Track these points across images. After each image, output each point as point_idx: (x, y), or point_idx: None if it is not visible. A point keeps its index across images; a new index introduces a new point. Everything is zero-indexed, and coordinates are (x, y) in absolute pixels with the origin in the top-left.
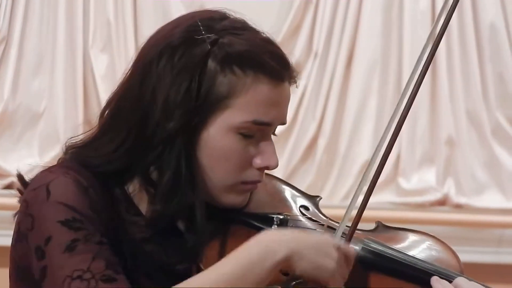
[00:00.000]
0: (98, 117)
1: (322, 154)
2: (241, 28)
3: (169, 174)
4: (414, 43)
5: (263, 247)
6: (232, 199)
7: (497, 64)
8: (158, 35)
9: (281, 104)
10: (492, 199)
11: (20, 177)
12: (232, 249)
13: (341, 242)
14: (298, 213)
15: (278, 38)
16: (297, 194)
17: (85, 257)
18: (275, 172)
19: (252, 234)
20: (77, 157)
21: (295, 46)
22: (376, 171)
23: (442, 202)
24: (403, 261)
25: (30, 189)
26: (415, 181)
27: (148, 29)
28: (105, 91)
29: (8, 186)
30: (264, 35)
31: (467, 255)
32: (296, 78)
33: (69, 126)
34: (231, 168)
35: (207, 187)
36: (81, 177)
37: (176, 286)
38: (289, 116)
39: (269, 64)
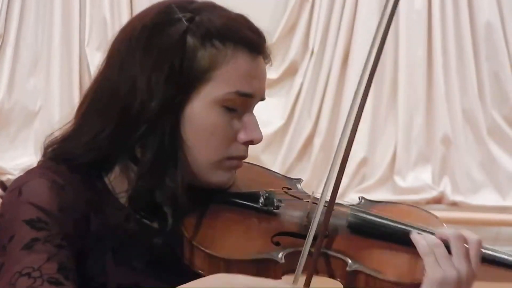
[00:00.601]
0: (75, 113)
1: (318, 152)
2: (212, 6)
3: (152, 151)
4: (409, 42)
5: None
6: (219, 176)
7: (493, 63)
8: (130, 24)
9: (260, 77)
10: (487, 197)
11: (1, 184)
12: (218, 227)
13: None
14: (282, 192)
15: (274, 36)
16: (279, 176)
17: (40, 256)
18: (272, 169)
19: (239, 213)
20: (57, 152)
21: (291, 44)
22: (344, 152)
23: (438, 200)
24: (389, 222)
25: (7, 192)
26: (411, 179)
27: None
28: None
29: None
30: (237, 12)
31: None
32: (270, 56)
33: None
34: (217, 143)
35: (195, 166)
36: (58, 176)
37: None
38: (285, 114)
39: (247, 36)
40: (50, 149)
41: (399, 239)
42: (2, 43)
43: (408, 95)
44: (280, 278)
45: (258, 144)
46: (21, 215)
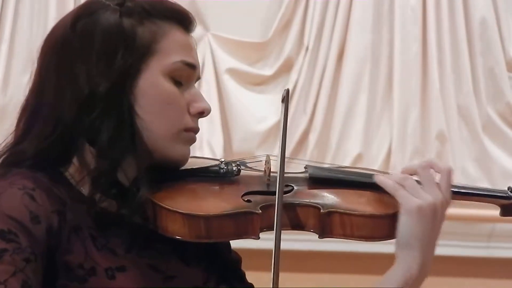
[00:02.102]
0: (15, 127)
1: (313, 148)
2: None
3: (108, 131)
4: (404, 39)
5: None
6: (179, 149)
7: (488, 59)
8: (60, 23)
9: (195, 51)
10: None
11: None
12: (189, 194)
13: None
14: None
15: (269, 33)
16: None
17: (7, 269)
18: None
19: (205, 181)
20: (10, 158)
21: (286, 41)
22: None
23: None
24: (347, 170)
25: None
26: None
27: None
28: None
29: None
30: None
31: (458, 249)
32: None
33: None
34: (172, 113)
35: (153, 141)
36: (27, 179)
37: None
38: (279, 111)
39: (179, 13)
40: (3, 157)
41: (362, 183)
42: None
43: (403, 92)
44: (258, 232)
45: (253, 140)
46: None
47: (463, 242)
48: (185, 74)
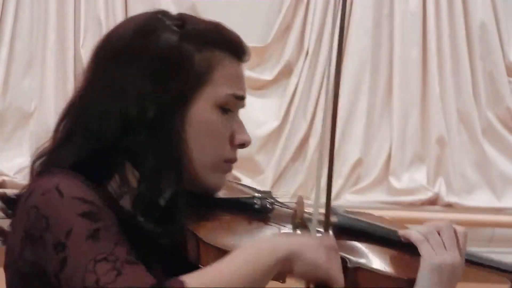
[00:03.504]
0: (54, 130)
1: (313, 153)
2: (193, 16)
3: (155, 155)
4: (404, 43)
5: (266, 244)
6: (217, 179)
7: (488, 63)
8: (113, 34)
9: (244, 80)
10: (482, 198)
11: (2, 196)
12: (223, 226)
13: (323, 236)
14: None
15: (269, 37)
16: (249, 187)
17: (107, 243)
18: (267, 170)
19: (239, 214)
20: (47, 163)
21: (286, 45)
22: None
23: (433, 202)
24: (374, 223)
25: (37, 196)
26: (406, 180)
27: None
28: None
29: None
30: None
31: None
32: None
33: None
34: (216, 144)
35: (194, 168)
36: (74, 177)
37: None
38: (280, 115)
39: (235, 43)
40: (39, 161)
41: (389, 240)
42: None
43: (402, 96)
44: (285, 276)
45: (253, 145)
46: (73, 210)
47: None
48: (233, 104)
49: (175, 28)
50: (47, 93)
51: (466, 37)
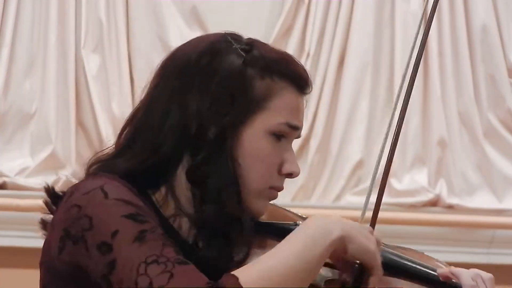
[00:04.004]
0: (117, 137)
1: (314, 154)
2: (261, 42)
3: (216, 177)
4: (405, 44)
5: (320, 227)
6: (260, 204)
7: (489, 65)
8: (181, 51)
9: (302, 112)
10: (483, 200)
11: (49, 190)
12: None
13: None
14: None
15: (270, 38)
16: (289, 211)
17: (155, 244)
18: None
19: (273, 242)
20: (103, 169)
21: (287, 46)
22: (384, 171)
23: (434, 203)
24: (414, 262)
25: (79, 195)
26: (407, 181)
27: (140, 30)
28: (96, 91)
29: (0, 186)
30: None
31: (458, 256)
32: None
33: (60, 126)
34: (265, 170)
35: (242, 193)
36: (124, 183)
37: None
38: None
39: (299, 74)
40: (95, 166)
41: (428, 279)
42: None
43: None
44: None
45: None
46: (118, 212)
47: (464, 248)
48: (286, 133)
49: (241, 52)
50: (48, 95)
51: (467, 39)
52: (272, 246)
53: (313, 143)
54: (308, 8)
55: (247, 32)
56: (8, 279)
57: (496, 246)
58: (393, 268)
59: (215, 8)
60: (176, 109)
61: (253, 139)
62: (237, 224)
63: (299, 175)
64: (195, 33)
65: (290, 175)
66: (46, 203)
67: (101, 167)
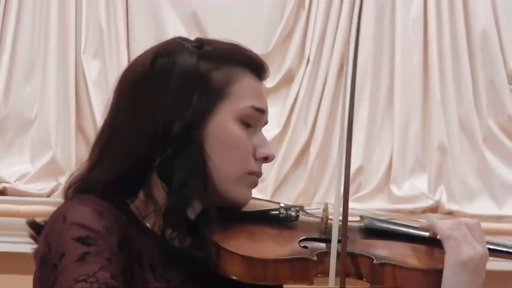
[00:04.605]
0: (89, 155)
1: (314, 160)
2: (211, 39)
3: (182, 170)
4: (405, 51)
5: None
6: (243, 191)
7: (489, 71)
8: (138, 60)
9: (265, 97)
10: (483, 206)
11: (31, 223)
12: (249, 236)
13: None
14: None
15: (270, 44)
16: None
17: (93, 266)
18: (268, 177)
19: (265, 225)
20: (79, 188)
21: (287, 52)
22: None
23: (434, 209)
24: (398, 222)
25: (49, 224)
26: (407, 188)
27: (140, 35)
28: (97, 97)
29: (0, 192)
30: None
31: None
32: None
33: (60, 132)
34: (240, 156)
35: (220, 182)
36: (94, 203)
37: None
38: (281, 123)
39: (252, 59)
40: (71, 189)
41: (415, 236)
42: None
43: (404, 103)
44: (313, 278)
45: None
46: (69, 235)
47: None
48: (254, 118)
49: (193, 49)
50: (48, 100)
51: (467, 45)
52: (260, 232)
53: (313, 149)
54: (308, 14)
55: (247, 38)
56: (8, 285)
57: None
58: (378, 231)
59: (215, 13)
60: (141, 114)
61: (222, 127)
62: (205, 216)
63: (300, 181)
64: None
65: (266, 159)
66: (32, 236)
67: (77, 188)
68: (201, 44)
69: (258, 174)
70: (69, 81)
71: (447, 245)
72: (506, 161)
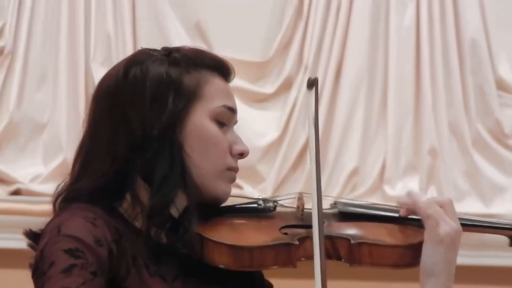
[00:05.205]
0: (72, 166)
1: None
2: (177, 46)
3: (162, 170)
4: (399, 58)
5: None
6: (223, 187)
7: (478, 77)
8: (110, 73)
9: (233, 97)
10: (472, 205)
11: (28, 233)
12: (232, 228)
13: None
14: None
15: (270, 52)
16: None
17: (76, 280)
18: (268, 179)
19: (245, 217)
20: (66, 198)
21: (286, 60)
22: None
23: None
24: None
25: (45, 234)
26: (399, 188)
27: (146, 43)
28: None
29: (14, 193)
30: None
31: None
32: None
33: (71, 135)
34: (218, 153)
35: (200, 179)
36: (87, 211)
37: None
38: (280, 127)
39: (218, 62)
40: (59, 200)
41: (388, 217)
42: (11, 58)
43: (397, 108)
44: (296, 262)
45: (254, 155)
46: (61, 246)
47: None
48: (227, 117)
49: (162, 57)
50: (59, 105)
51: (457, 52)
52: (241, 223)
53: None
54: (306, 24)
55: (248, 47)
56: (24, 280)
57: (484, 248)
58: (353, 215)
59: (218, 25)
60: (120, 122)
61: (199, 127)
62: (187, 213)
63: (298, 184)
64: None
65: (242, 155)
66: (30, 245)
67: (65, 198)
68: (168, 52)
69: (236, 170)
70: (79, 87)
71: (427, 223)
72: (494, 164)
